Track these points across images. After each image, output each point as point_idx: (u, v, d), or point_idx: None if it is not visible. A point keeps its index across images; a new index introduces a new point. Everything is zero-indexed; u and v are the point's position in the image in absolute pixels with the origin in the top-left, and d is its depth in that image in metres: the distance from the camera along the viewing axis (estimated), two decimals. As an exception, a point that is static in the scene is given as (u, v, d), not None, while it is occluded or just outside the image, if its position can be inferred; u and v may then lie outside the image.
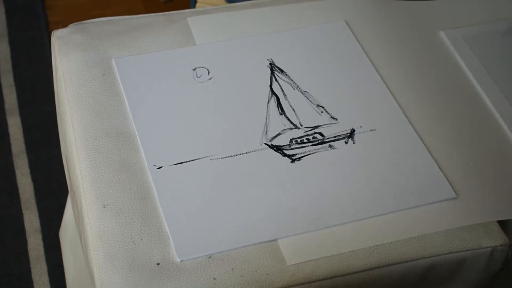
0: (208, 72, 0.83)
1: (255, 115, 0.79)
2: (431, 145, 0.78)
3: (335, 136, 0.78)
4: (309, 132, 0.78)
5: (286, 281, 0.67)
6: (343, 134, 0.78)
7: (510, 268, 0.75)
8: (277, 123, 0.79)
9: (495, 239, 0.72)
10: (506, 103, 0.84)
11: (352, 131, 0.79)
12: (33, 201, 1.42)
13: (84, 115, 0.79)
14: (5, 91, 1.63)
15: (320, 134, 0.78)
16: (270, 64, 0.84)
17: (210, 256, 0.67)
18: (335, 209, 0.72)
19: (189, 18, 0.90)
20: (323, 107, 0.81)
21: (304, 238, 0.70)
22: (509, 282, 0.80)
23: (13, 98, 1.62)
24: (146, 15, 0.92)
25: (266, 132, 0.78)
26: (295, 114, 0.80)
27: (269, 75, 0.83)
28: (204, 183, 0.73)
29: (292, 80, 0.83)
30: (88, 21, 0.90)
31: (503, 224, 0.74)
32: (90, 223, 0.70)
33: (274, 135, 0.78)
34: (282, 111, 0.80)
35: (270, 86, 0.82)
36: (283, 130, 0.78)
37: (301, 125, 0.79)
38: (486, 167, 0.78)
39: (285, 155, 0.76)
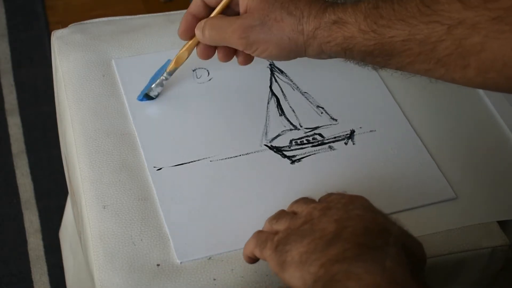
0: (208, 73, 0.83)
1: (255, 116, 0.79)
2: (431, 146, 0.78)
3: (335, 137, 0.78)
4: (309, 133, 0.78)
5: (286, 282, 0.67)
6: (343, 135, 0.78)
7: (510, 268, 0.75)
8: (277, 124, 0.79)
9: (495, 240, 0.72)
10: (506, 103, 0.84)
11: (352, 132, 0.79)
12: (33, 201, 1.43)
13: (84, 116, 0.79)
14: (5, 91, 1.63)
15: (320, 135, 0.78)
16: (270, 65, 0.84)
17: (210, 257, 0.67)
18: (335, 210, 0.71)
19: (189, 19, 0.90)
20: (323, 108, 0.81)
21: (304, 239, 0.70)
22: (509, 282, 0.80)
23: (13, 98, 1.62)
24: (146, 15, 0.92)
25: (266, 133, 0.78)
26: (295, 115, 0.80)
27: (269, 76, 0.83)
28: (204, 184, 0.73)
29: (292, 81, 0.83)
30: (88, 21, 0.90)
31: (503, 224, 0.74)
32: (90, 224, 0.70)
33: (274, 136, 0.77)
34: (282, 112, 0.80)
35: (270, 87, 0.82)
36: (283, 131, 0.78)
37: (301, 126, 0.79)
38: (486, 167, 0.78)
39: (285, 156, 0.76)
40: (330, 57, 0.69)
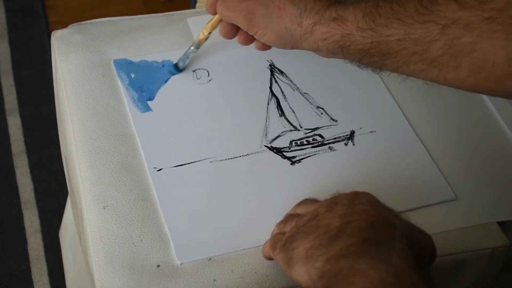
0: (208, 74, 0.83)
1: (255, 117, 0.79)
2: (431, 146, 0.78)
3: (335, 138, 0.78)
4: (309, 134, 0.78)
5: (286, 282, 0.67)
6: (343, 136, 0.78)
7: (510, 269, 0.75)
8: (277, 125, 0.79)
9: (495, 240, 0.72)
10: (506, 103, 0.84)
11: (352, 132, 0.79)
12: (33, 201, 1.43)
13: (84, 116, 0.79)
14: (5, 91, 1.63)
15: (320, 136, 0.78)
16: (270, 65, 0.84)
17: (210, 258, 0.67)
18: (335, 211, 0.71)
19: (189, 19, 0.90)
20: (323, 109, 0.81)
21: (304, 239, 0.70)
22: (509, 282, 0.80)
23: (13, 98, 1.62)
24: (146, 15, 0.92)
25: (266, 134, 0.78)
26: (295, 115, 0.80)
27: (269, 76, 0.83)
28: (204, 185, 0.73)
29: (292, 82, 0.83)
30: (88, 21, 0.90)
31: (503, 225, 0.74)
32: (90, 225, 0.70)
33: (274, 137, 0.77)
34: (282, 113, 0.80)
35: (270, 87, 0.82)
36: (283, 132, 0.78)
37: (301, 127, 0.79)
38: (486, 168, 0.78)
39: (285, 157, 0.76)
40: (328, 54, 0.69)
